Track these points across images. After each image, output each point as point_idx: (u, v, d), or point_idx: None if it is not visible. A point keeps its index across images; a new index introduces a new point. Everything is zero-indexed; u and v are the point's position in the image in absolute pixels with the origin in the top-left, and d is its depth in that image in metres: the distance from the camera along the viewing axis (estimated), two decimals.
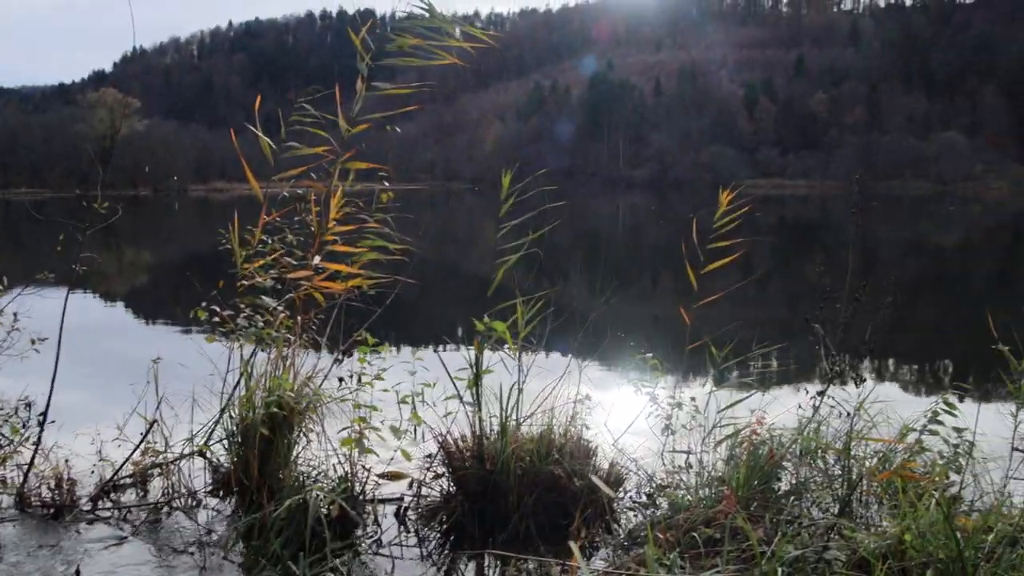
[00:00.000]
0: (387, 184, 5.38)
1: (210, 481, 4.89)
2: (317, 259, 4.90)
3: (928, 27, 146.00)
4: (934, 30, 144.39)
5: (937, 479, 4.02)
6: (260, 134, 4.75)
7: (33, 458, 4.71)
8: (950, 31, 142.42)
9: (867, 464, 4.43)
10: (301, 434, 4.66)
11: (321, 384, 4.83)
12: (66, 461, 4.73)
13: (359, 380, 4.91)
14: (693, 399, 5.30)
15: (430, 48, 4.78)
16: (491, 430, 4.51)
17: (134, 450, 4.90)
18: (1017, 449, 4.25)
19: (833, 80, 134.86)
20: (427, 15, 4.75)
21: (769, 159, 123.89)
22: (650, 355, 5.54)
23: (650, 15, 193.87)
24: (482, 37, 4.89)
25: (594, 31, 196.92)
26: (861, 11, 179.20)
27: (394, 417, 4.98)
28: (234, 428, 4.64)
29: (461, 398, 4.62)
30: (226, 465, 4.80)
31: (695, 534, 3.65)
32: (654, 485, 4.62)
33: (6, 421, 5.01)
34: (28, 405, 5.05)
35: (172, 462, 4.82)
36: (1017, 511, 3.50)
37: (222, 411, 4.81)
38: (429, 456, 4.79)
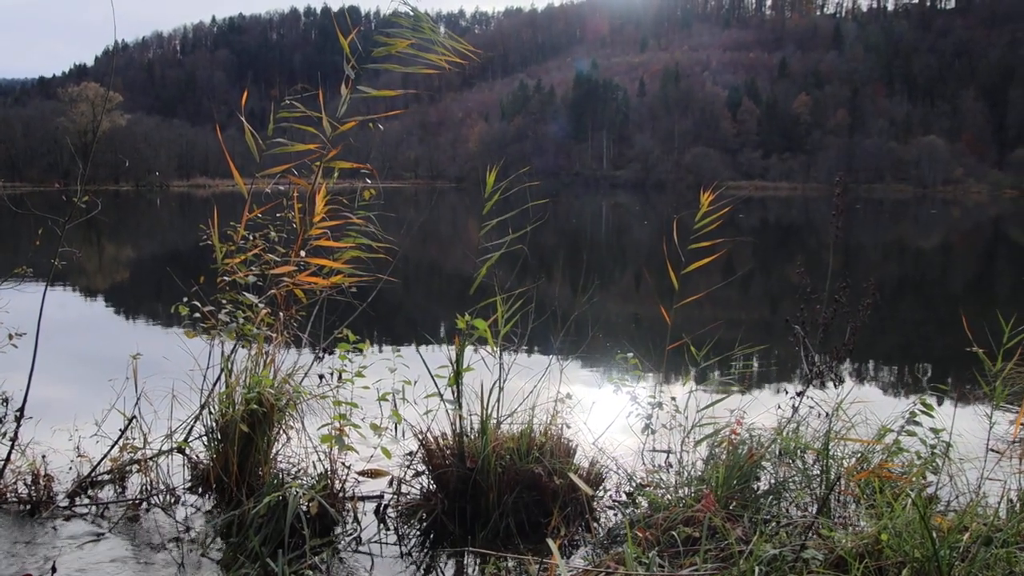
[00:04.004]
0: (369, 182, 5.37)
1: (189, 478, 4.86)
2: (302, 254, 4.89)
3: (910, 32, 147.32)
4: (916, 35, 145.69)
5: (914, 479, 4.06)
6: (250, 129, 4.73)
7: (9, 454, 4.66)
8: (931, 36, 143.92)
9: (845, 464, 4.47)
10: (281, 431, 4.64)
11: (301, 381, 4.82)
12: (43, 457, 4.69)
13: (340, 377, 4.90)
14: (673, 399, 5.32)
15: (417, 53, 4.77)
16: (471, 428, 4.51)
17: (112, 446, 4.87)
18: (993, 450, 4.30)
19: (816, 83, 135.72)
20: (411, 14, 4.74)
21: (752, 161, 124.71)
22: (631, 354, 5.56)
23: (634, 16, 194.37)
24: (465, 52, 4.87)
25: (582, 30, 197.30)
26: (844, 15, 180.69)
27: (374, 415, 4.98)
28: (213, 424, 4.61)
29: (442, 396, 4.62)
30: (205, 462, 4.77)
31: (674, 533, 3.66)
32: (634, 484, 4.63)
33: None
34: (5, 400, 5.00)
35: (151, 458, 4.79)
36: (992, 511, 3.54)
37: (202, 407, 4.78)
38: (409, 454, 4.78)
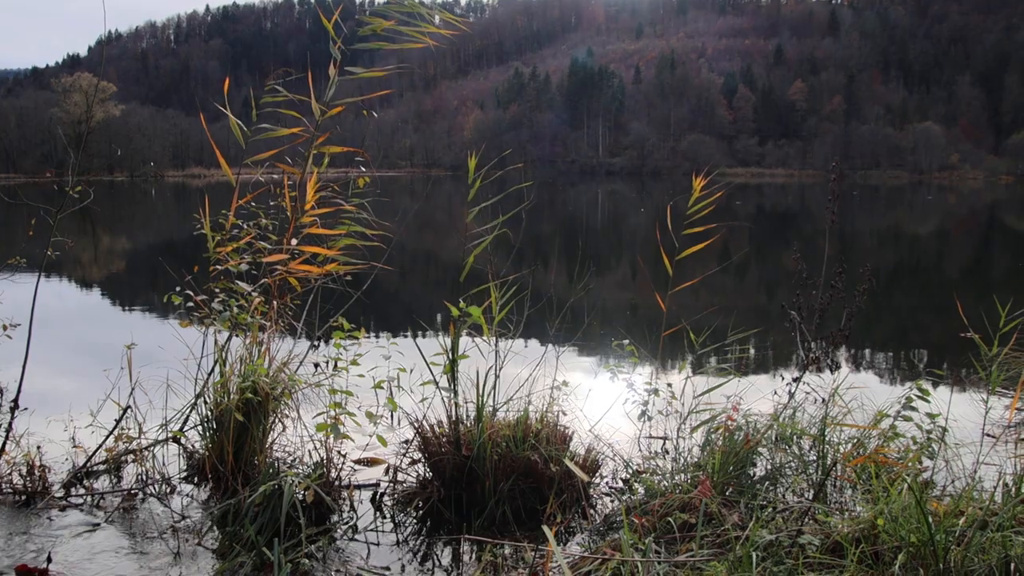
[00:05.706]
0: (364, 169, 5.35)
1: (184, 467, 4.85)
2: (294, 242, 4.86)
3: (905, 18, 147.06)
4: (911, 21, 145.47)
5: (910, 464, 4.06)
6: (229, 114, 4.69)
7: (4, 444, 4.65)
8: (927, 22, 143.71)
9: (841, 450, 4.47)
10: (276, 420, 4.63)
11: (297, 369, 4.80)
12: (38, 447, 4.68)
13: (335, 366, 4.89)
14: (670, 385, 5.31)
15: (404, 31, 4.74)
16: (467, 416, 4.51)
17: (107, 436, 4.86)
18: (988, 435, 4.30)
19: (811, 69, 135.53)
20: (404, 1, 4.71)
21: (748, 148, 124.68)
22: (627, 341, 5.55)
23: (630, 2, 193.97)
24: (455, 23, 4.84)
25: (577, 17, 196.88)
26: (839, 1, 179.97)
27: (370, 403, 4.97)
28: (208, 414, 4.60)
29: (437, 384, 4.61)
30: (200, 451, 4.76)
31: (671, 519, 3.67)
32: (630, 471, 4.63)
33: None
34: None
35: (146, 448, 4.78)
36: (987, 495, 3.54)
37: (197, 397, 4.77)
38: (405, 442, 4.77)
